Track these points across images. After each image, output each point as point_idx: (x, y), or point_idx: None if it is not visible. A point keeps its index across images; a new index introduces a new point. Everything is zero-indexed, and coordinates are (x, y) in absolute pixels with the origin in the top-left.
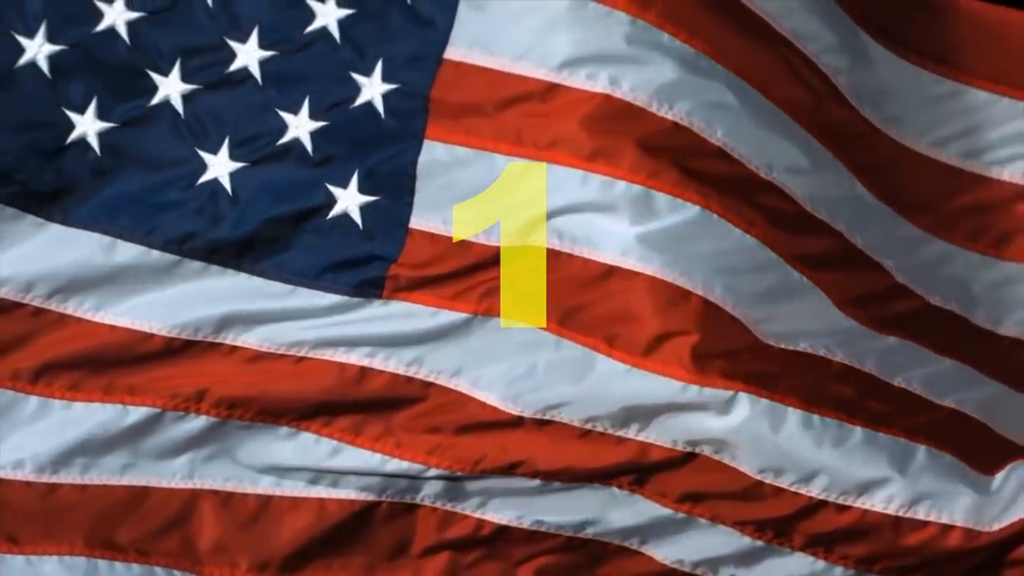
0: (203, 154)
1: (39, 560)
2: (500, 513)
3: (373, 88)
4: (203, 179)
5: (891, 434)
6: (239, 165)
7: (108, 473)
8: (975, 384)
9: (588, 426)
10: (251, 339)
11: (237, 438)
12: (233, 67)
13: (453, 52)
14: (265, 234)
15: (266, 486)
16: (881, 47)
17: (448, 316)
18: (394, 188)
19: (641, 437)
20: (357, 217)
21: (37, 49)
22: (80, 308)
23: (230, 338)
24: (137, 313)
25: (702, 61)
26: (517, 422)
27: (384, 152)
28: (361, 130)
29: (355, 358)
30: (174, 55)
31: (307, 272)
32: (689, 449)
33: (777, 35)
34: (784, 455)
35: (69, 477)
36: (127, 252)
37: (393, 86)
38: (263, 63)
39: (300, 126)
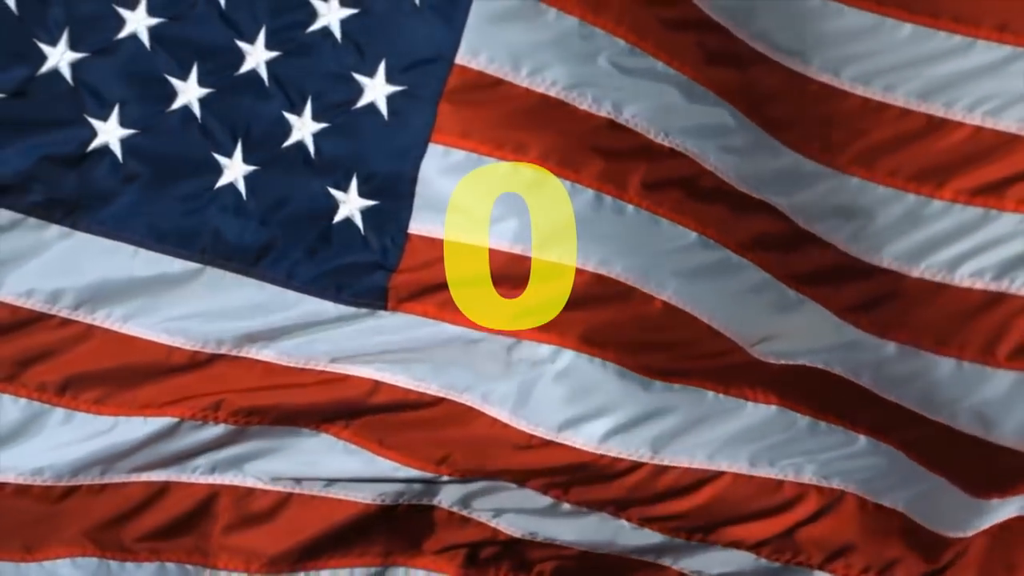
0: (219, 158)
1: (52, 564)
2: (513, 527)
3: (376, 89)
4: (220, 183)
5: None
6: (252, 168)
7: (126, 473)
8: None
9: (602, 451)
10: (270, 353)
11: (256, 439)
12: (243, 69)
13: (464, 58)
14: (277, 239)
15: (284, 485)
16: None
17: (453, 330)
18: (394, 192)
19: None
20: (359, 222)
21: (60, 57)
22: (108, 319)
23: (252, 352)
24: (164, 326)
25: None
26: (528, 438)
27: (385, 155)
28: (362, 132)
29: (367, 372)
30: (191, 59)
31: (315, 280)
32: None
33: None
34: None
35: (87, 479)
36: (151, 261)
37: (398, 88)
38: (269, 64)
39: (304, 128)
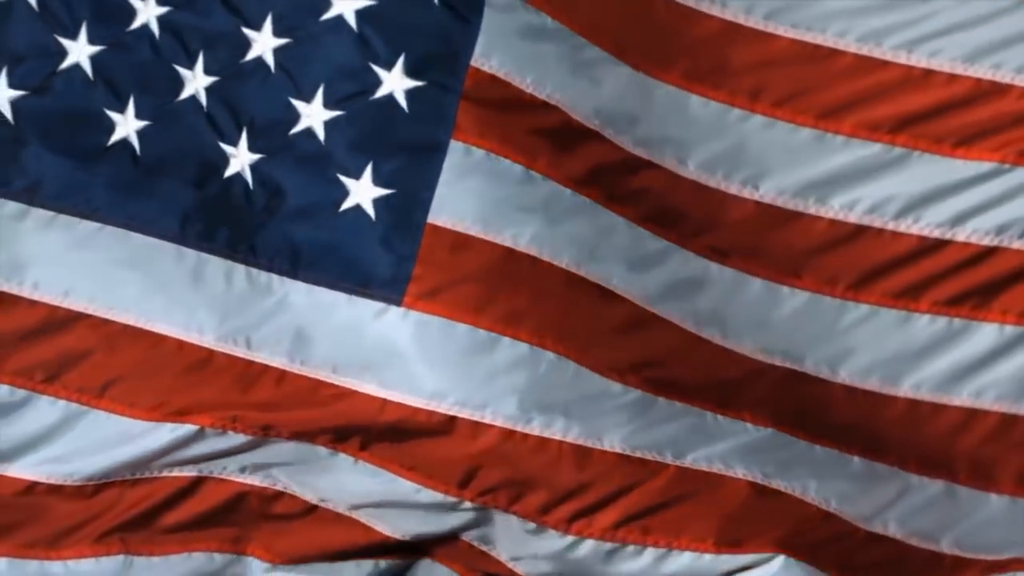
0: (225, 147)
1: (76, 564)
2: (532, 569)
3: (394, 82)
4: (228, 173)
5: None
6: (257, 157)
7: (158, 470)
8: None
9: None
10: (282, 359)
11: (279, 449)
12: (249, 56)
13: (478, 60)
14: (285, 229)
15: (310, 496)
16: None
17: (470, 336)
18: (414, 183)
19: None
20: (370, 210)
21: (80, 51)
22: (139, 319)
23: (261, 356)
24: (190, 325)
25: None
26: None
27: (405, 148)
28: (379, 123)
29: (373, 388)
30: (197, 47)
31: (325, 270)
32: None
33: None
34: None
35: (118, 477)
36: (174, 255)
37: (418, 83)
38: (277, 51)
39: (313, 115)
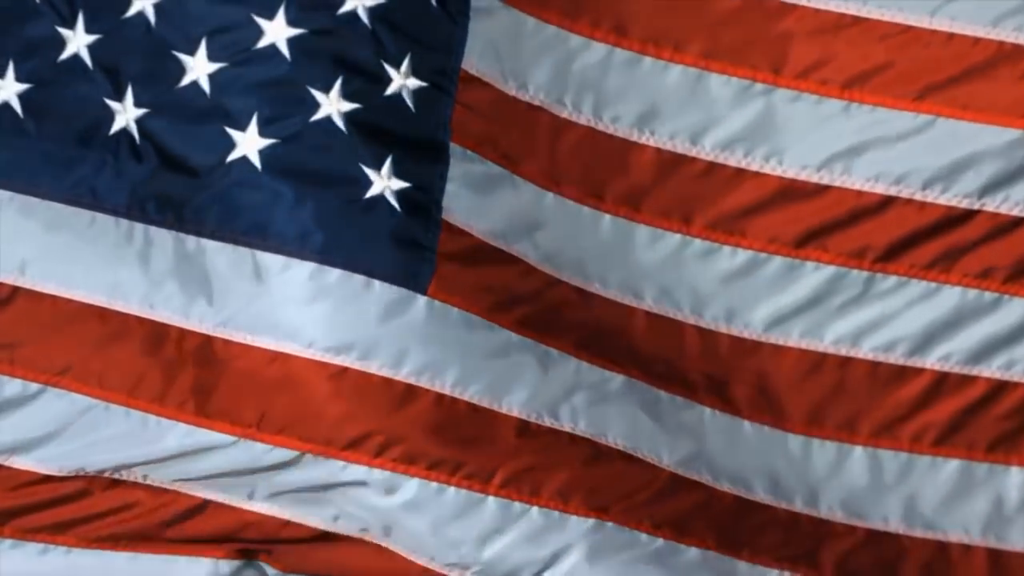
0: (231, 132)
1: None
2: None
3: (402, 81)
4: (232, 157)
5: None
6: (269, 142)
7: (170, 481)
8: None
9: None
10: (296, 345)
11: (293, 473)
12: (261, 44)
13: (468, 62)
14: (301, 212)
15: (319, 520)
16: None
17: (488, 335)
18: (426, 180)
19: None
20: (394, 201)
21: (78, 40)
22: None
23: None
24: (238, 324)
25: None
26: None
27: (414, 145)
28: (392, 119)
29: (402, 375)
30: (200, 34)
31: (350, 255)
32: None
33: None
34: None
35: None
36: (199, 247)
37: (422, 84)
38: (291, 41)
39: (332, 105)
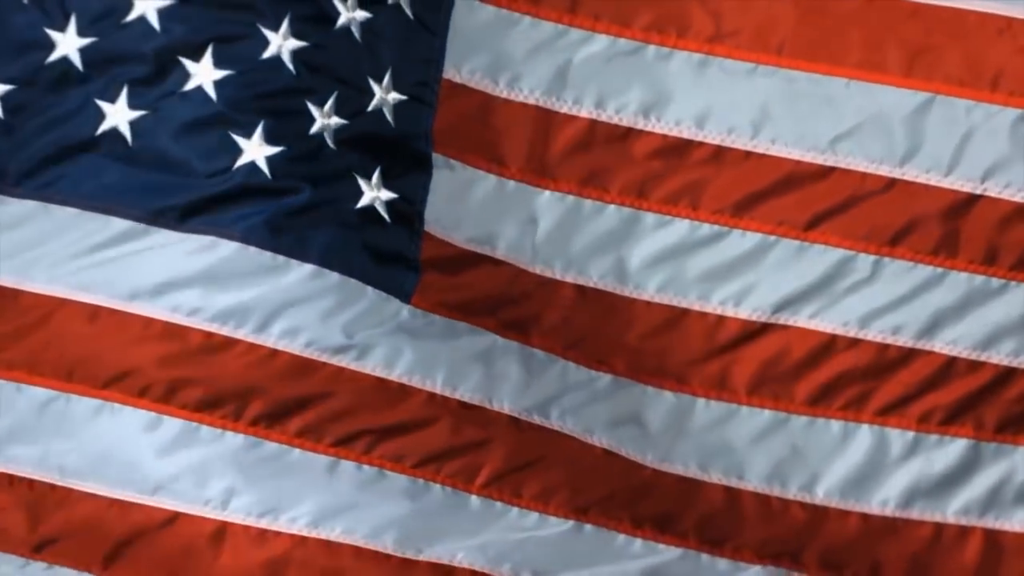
0: (237, 138)
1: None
2: None
3: (384, 95)
4: (240, 163)
5: None
6: (276, 150)
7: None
8: None
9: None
10: (299, 344)
11: (274, 468)
12: (266, 54)
13: (449, 72)
14: (300, 220)
15: (300, 527)
16: None
17: (473, 340)
18: (410, 192)
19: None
20: (383, 211)
21: (68, 43)
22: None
23: (271, 341)
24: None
25: None
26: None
27: (397, 158)
28: (375, 134)
29: (395, 375)
30: (206, 42)
31: (342, 260)
32: None
33: None
34: None
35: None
36: (161, 238)
37: (402, 97)
38: (295, 52)
39: (326, 120)
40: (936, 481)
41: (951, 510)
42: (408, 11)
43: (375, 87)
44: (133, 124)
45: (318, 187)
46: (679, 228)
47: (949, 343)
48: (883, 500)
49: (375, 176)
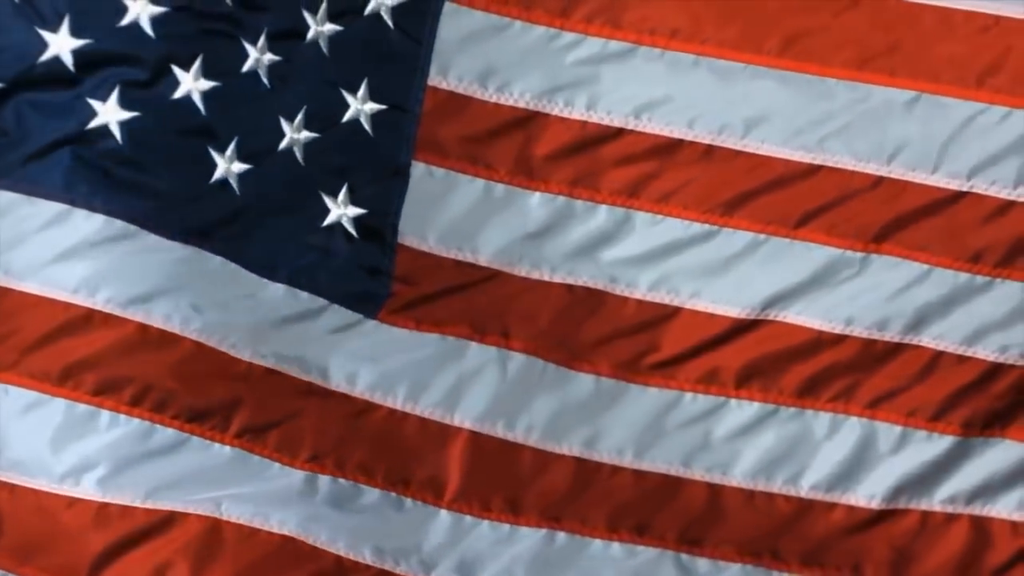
0: (213, 153)
1: None
2: None
3: (359, 106)
4: (215, 178)
5: None
6: (246, 167)
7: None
8: None
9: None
10: (270, 361)
11: (262, 477)
12: (246, 67)
13: (435, 79)
14: (267, 236)
15: (291, 529)
16: None
17: (440, 349)
18: (382, 205)
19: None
20: (351, 228)
21: (60, 43)
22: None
23: (246, 355)
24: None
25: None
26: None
27: (371, 169)
28: (349, 145)
29: (358, 391)
30: (195, 52)
31: (308, 279)
32: None
33: None
34: None
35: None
36: (152, 245)
37: (381, 106)
38: (270, 67)
39: (296, 135)
40: (923, 473)
41: (937, 499)
42: (389, 21)
43: (349, 98)
44: (123, 124)
45: (285, 205)
46: (670, 227)
47: (936, 338)
48: (870, 494)
49: (342, 193)
